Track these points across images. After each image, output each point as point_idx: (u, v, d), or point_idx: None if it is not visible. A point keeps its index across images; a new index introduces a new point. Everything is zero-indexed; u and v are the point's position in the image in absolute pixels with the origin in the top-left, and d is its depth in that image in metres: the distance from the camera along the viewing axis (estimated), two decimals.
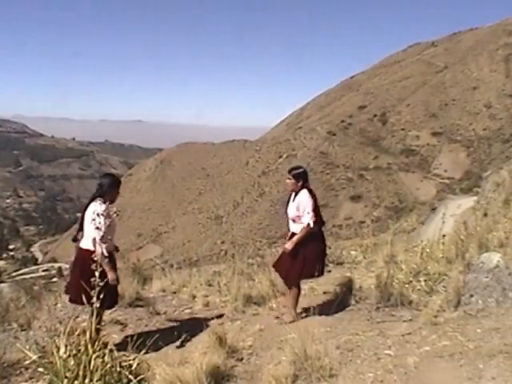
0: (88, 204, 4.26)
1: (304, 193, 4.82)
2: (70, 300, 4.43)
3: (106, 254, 4.06)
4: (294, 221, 4.84)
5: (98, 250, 4.04)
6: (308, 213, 4.68)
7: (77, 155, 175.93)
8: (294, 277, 4.80)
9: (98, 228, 4.03)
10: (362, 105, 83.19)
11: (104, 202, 4.23)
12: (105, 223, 4.08)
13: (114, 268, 4.20)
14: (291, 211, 4.84)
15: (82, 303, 3.74)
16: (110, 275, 4.04)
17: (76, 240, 4.38)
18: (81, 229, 4.33)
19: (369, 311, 4.74)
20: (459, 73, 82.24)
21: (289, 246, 4.71)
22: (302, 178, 4.83)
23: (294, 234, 4.82)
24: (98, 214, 4.08)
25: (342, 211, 60.95)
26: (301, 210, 4.73)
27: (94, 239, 4.08)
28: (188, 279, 6.64)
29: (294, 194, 4.89)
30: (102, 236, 4.07)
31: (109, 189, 4.30)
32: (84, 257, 4.09)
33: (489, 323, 3.74)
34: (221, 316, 5.09)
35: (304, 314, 4.76)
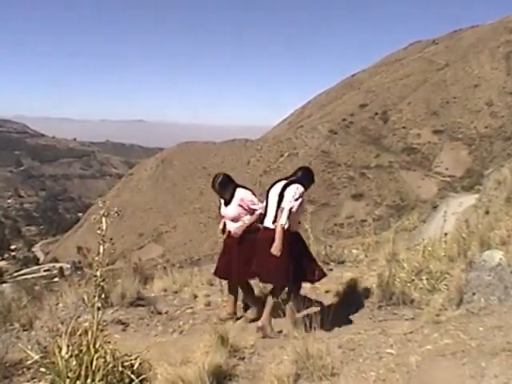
0: (281, 186, 4.41)
1: (241, 190, 4.83)
2: (264, 281, 4.76)
3: (286, 226, 4.21)
4: (234, 220, 4.83)
5: (282, 220, 4.22)
6: (258, 203, 4.74)
7: (78, 155, 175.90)
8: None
9: (291, 201, 4.27)
10: (363, 103, 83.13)
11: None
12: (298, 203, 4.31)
13: (292, 243, 4.32)
14: (232, 211, 4.82)
15: (285, 281, 4.32)
16: (275, 246, 4.19)
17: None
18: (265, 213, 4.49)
19: (371, 310, 4.74)
20: (460, 70, 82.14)
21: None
22: (228, 183, 4.84)
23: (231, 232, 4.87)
24: (298, 188, 4.35)
25: (343, 210, 60.90)
26: (248, 205, 4.75)
27: (282, 210, 4.25)
28: (189, 279, 6.63)
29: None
30: (291, 211, 4.25)
31: (306, 181, 4.53)
32: (271, 236, 4.28)
33: (491, 321, 3.73)
34: (222, 315, 5.08)
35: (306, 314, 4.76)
